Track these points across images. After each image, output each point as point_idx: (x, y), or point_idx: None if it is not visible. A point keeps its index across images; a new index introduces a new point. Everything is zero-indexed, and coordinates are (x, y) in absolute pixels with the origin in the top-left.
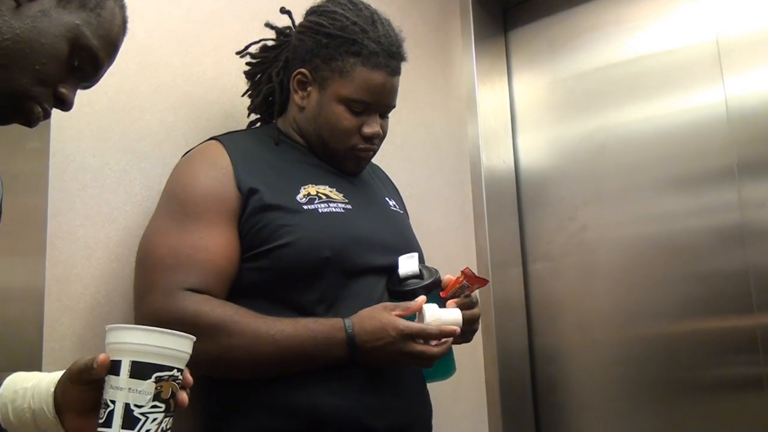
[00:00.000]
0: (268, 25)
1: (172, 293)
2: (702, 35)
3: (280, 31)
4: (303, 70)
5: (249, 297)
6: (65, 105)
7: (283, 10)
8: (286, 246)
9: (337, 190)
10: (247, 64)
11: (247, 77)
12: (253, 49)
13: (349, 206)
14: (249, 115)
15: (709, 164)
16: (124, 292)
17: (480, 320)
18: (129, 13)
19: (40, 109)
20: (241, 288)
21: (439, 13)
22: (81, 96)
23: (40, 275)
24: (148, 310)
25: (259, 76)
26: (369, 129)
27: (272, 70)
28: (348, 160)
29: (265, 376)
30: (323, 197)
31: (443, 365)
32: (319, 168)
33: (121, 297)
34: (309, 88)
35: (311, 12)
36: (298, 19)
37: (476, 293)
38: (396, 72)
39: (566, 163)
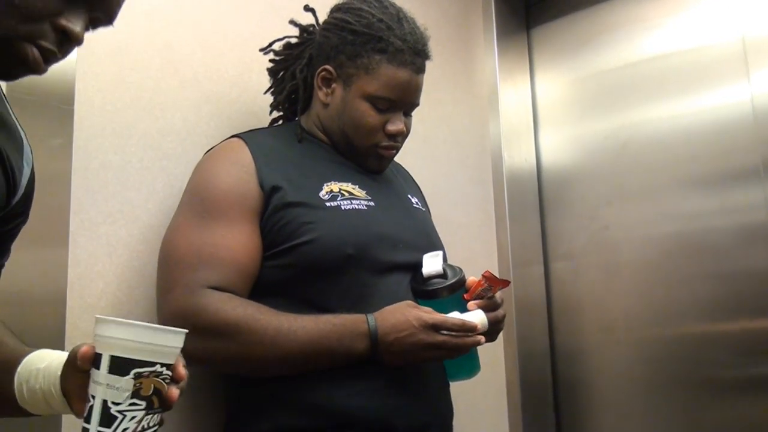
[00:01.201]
0: (292, 22)
1: (193, 291)
2: (727, 33)
3: (303, 29)
4: (328, 66)
5: (271, 296)
6: (71, 39)
7: (307, 8)
8: (308, 243)
9: (359, 187)
10: (271, 61)
11: (270, 75)
12: (276, 47)
13: (372, 203)
14: (271, 112)
15: (735, 163)
16: (145, 290)
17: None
18: (150, 10)
19: (35, 50)
20: (263, 286)
21: (461, 9)
22: (104, 93)
23: (63, 273)
24: (170, 308)
25: (282, 73)
26: (393, 127)
27: (296, 67)
28: (371, 158)
29: (288, 373)
30: (346, 194)
31: (467, 363)
32: (342, 165)
33: (143, 295)
34: (333, 85)
35: (336, 9)
36: (322, 16)
37: (499, 293)
38: (421, 70)
39: (589, 161)
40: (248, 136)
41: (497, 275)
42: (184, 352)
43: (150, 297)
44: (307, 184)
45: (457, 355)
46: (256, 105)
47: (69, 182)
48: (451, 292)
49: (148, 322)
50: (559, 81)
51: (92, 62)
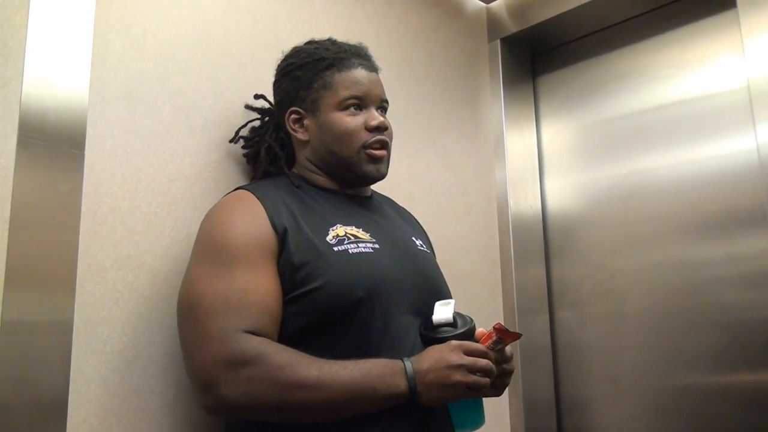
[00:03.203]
0: (248, 107)
1: (229, 337)
2: (733, 81)
3: (262, 111)
4: (293, 107)
5: (286, 343)
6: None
7: (257, 96)
8: (319, 289)
9: (363, 230)
10: (244, 147)
11: (249, 160)
12: (243, 132)
13: (376, 245)
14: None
15: (741, 211)
16: (151, 336)
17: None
18: (162, 56)
19: None
20: (280, 334)
21: (468, 58)
22: (114, 139)
23: (69, 317)
24: (207, 358)
25: (258, 153)
26: (372, 120)
27: (265, 143)
28: (365, 163)
29: (330, 419)
30: (352, 237)
31: (474, 414)
32: (344, 207)
33: (148, 341)
34: (305, 122)
35: (278, 66)
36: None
37: (509, 347)
38: (372, 69)
39: (595, 209)
40: (252, 187)
41: (503, 323)
42: (226, 401)
43: (155, 343)
44: (314, 228)
45: (484, 389)
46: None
47: (78, 227)
48: (461, 340)
49: (151, 367)
50: (565, 129)
51: (104, 108)
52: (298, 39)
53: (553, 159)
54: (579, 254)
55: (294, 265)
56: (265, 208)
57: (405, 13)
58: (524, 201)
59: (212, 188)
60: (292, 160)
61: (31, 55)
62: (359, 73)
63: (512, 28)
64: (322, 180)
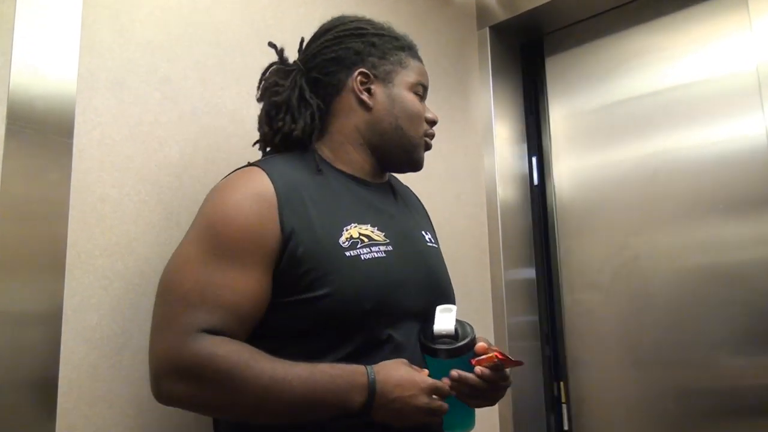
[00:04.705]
0: (271, 44)
1: (190, 333)
2: (743, 60)
3: (283, 58)
4: (363, 69)
5: (281, 343)
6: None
7: (270, 44)
8: (325, 297)
9: (378, 229)
10: (269, 92)
11: (273, 108)
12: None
13: (389, 247)
14: (267, 149)
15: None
16: (140, 324)
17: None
18: (150, 44)
19: None
20: (273, 333)
21: (458, 46)
22: (103, 127)
23: (58, 305)
24: (162, 348)
25: (283, 107)
26: (431, 114)
27: (295, 95)
28: (421, 149)
29: (278, 423)
30: (365, 240)
31: (466, 417)
32: (362, 199)
33: (138, 328)
34: (373, 87)
35: (336, 25)
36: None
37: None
38: None
39: (616, 190)
40: (269, 166)
41: (492, 310)
42: (171, 395)
43: (145, 331)
44: (328, 227)
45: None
46: (253, 139)
47: (66, 215)
48: (458, 354)
49: (140, 355)
50: (580, 109)
51: (92, 96)
52: (287, 27)
53: (567, 140)
54: (600, 235)
55: (300, 267)
56: (278, 198)
57: (395, 1)
58: (513, 188)
59: (201, 176)
60: (322, 129)
61: (19, 43)
62: (423, 67)
63: (501, 15)
64: (354, 158)
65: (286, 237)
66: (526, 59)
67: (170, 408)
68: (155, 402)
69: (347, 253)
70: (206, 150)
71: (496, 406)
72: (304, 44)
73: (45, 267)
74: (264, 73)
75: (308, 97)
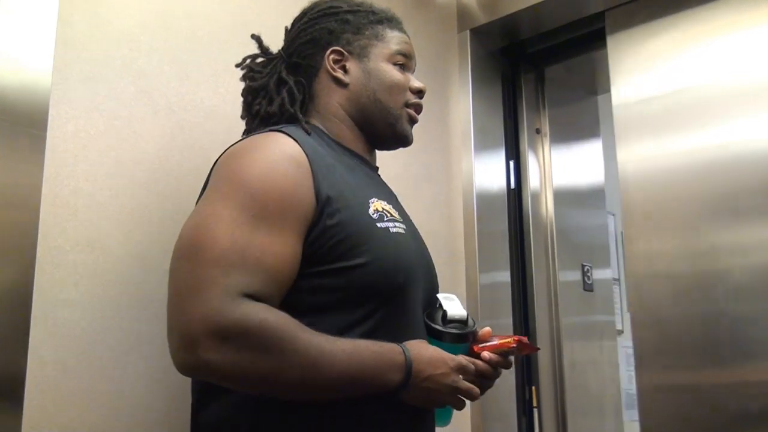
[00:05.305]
0: (254, 37)
1: (233, 296)
2: None
3: (265, 48)
4: (336, 47)
5: (311, 315)
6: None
7: (253, 36)
8: (363, 266)
9: (393, 207)
10: (247, 77)
11: (249, 93)
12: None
13: (404, 226)
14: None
15: None
16: (110, 320)
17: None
18: (126, 38)
19: None
20: (303, 305)
21: (438, 48)
22: (77, 121)
23: (28, 299)
24: (200, 311)
25: (261, 90)
26: (416, 83)
27: (275, 77)
28: (404, 121)
29: (319, 399)
30: (389, 215)
31: (447, 412)
32: (371, 177)
33: (108, 325)
34: (347, 64)
35: (312, 8)
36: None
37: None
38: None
39: (685, 180)
40: (289, 131)
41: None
42: (209, 366)
43: (114, 327)
44: (357, 198)
45: (477, 398)
46: (230, 136)
47: (38, 208)
48: (465, 340)
49: (110, 352)
50: (639, 96)
51: (67, 89)
52: (265, 21)
53: (631, 129)
54: (668, 228)
55: (333, 236)
56: (311, 166)
57: (375, 1)
58: (490, 191)
59: (176, 172)
60: (303, 107)
61: None
62: (405, 37)
63: (482, 19)
64: (347, 134)
65: (321, 204)
66: (506, 63)
67: (142, 406)
68: (126, 400)
69: (378, 225)
70: (182, 146)
71: (467, 409)
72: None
73: (14, 261)
74: (241, 64)
75: (284, 76)
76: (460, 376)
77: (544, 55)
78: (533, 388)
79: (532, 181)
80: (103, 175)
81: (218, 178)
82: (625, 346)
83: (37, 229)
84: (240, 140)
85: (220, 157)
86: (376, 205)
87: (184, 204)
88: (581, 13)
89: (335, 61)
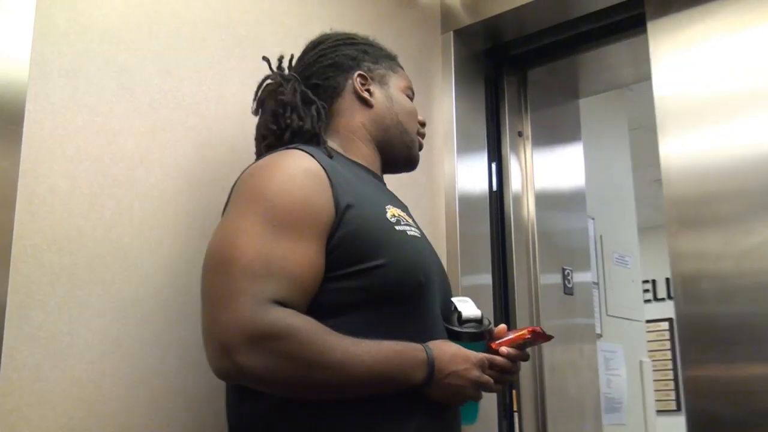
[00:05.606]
0: (265, 59)
1: (262, 304)
2: None
3: (278, 71)
4: (361, 72)
5: (333, 318)
6: None
7: (264, 58)
8: (384, 266)
9: (407, 215)
10: (277, 92)
11: (280, 107)
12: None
13: (418, 232)
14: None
15: None
16: (88, 322)
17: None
18: (108, 33)
19: None
20: (324, 307)
21: (421, 49)
22: (55, 116)
23: (1, 300)
24: (233, 318)
25: (288, 107)
26: (421, 117)
27: (298, 97)
28: (416, 146)
29: (345, 398)
30: (404, 220)
31: (473, 410)
32: (382, 189)
33: (85, 326)
34: (371, 88)
35: (328, 38)
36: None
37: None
38: None
39: (732, 175)
40: (305, 149)
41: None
42: (244, 370)
43: (91, 329)
44: (375, 204)
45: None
46: (212, 135)
47: (14, 206)
48: (481, 339)
49: (87, 355)
50: (683, 88)
51: (45, 83)
52: (250, 20)
53: (676, 119)
54: (716, 224)
55: (353, 241)
56: (331, 181)
57: (359, 2)
58: (472, 193)
59: (157, 171)
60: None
61: None
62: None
63: (466, 20)
64: (365, 152)
65: (341, 212)
66: (490, 65)
67: (121, 411)
68: (103, 405)
69: (396, 227)
70: (163, 144)
71: None
72: (294, 60)
73: None
74: (260, 85)
75: (312, 96)
76: (481, 372)
77: (528, 57)
78: (514, 392)
79: (514, 183)
80: (82, 172)
81: (240, 193)
82: (603, 349)
83: (12, 227)
84: (257, 160)
85: (241, 175)
86: (392, 210)
87: (165, 203)
88: (565, 16)
89: (362, 83)
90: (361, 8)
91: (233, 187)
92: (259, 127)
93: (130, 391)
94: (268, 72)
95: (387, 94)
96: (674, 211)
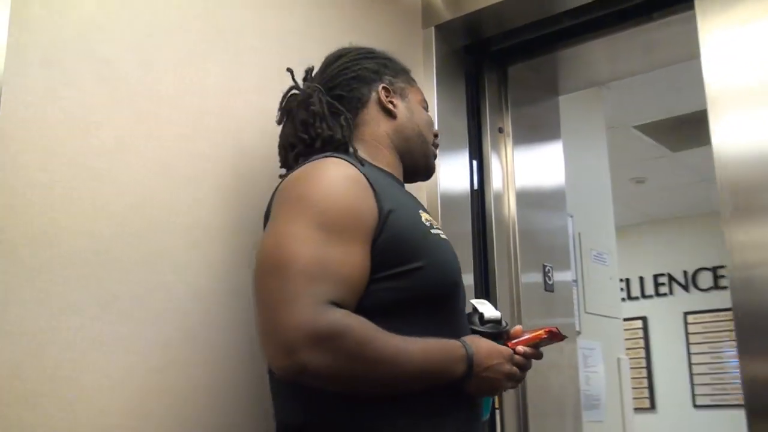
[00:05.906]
0: (290, 70)
1: (321, 304)
2: None
3: (303, 90)
4: (384, 84)
5: (374, 318)
6: None
7: (288, 70)
8: (423, 268)
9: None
10: (307, 104)
11: (311, 117)
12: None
13: (445, 237)
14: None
15: None
16: (67, 318)
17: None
18: (88, 23)
19: None
20: (369, 307)
21: (402, 44)
22: (33, 108)
23: None
24: (294, 319)
25: (313, 118)
26: (435, 128)
27: (325, 108)
28: (433, 156)
29: (396, 393)
30: (435, 224)
31: (487, 405)
32: (410, 196)
33: (65, 323)
34: (393, 99)
35: (348, 52)
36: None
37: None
38: None
39: None
40: (343, 157)
41: None
42: (306, 368)
43: (71, 326)
44: (411, 209)
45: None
46: (193, 129)
47: None
48: (500, 338)
49: (67, 353)
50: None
51: (21, 74)
52: (230, 9)
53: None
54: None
55: (395, 244)
56: (373, 187)
57: None
58: (453, 191)
59: (136, 163)
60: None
61: None
62: None
63: (447, 15)
64: (390, 160)
65: (384, 217)
66: (470, 61)
67: (97, 408)
68: (82, 403)
69: (431, 231)
70: (142, 136)
71: None
72: (314, 72)
73: None
74: (285, 95)
75: (339, 106)
76: (513, 368)
77: (508, 53)
78: None
79: (495, 181)
80: (61, 166)
81: (286, 200)
82: (582, 347)
83: None
84: (297, 169)
85: (281, 183)
86: (425, 215)
87: (145, 197)
88: (546, 12)
89: (386, 95)
90: (341, 3)
91: (273, 194)
92: (287, 136)
93: (111, 389)
94: (248, 66)
95: (408, 105)
96: (729, 198)
